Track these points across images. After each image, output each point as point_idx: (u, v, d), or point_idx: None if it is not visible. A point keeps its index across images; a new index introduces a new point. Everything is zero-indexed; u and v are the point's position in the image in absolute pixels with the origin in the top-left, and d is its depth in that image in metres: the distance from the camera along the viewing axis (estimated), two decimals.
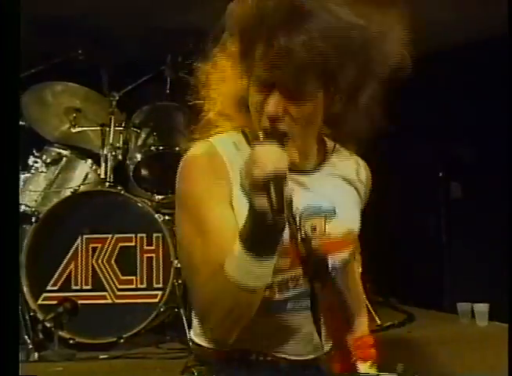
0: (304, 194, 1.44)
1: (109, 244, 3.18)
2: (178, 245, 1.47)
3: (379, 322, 3.53)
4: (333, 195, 1.48)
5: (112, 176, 3.44)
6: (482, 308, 3.50)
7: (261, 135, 1.32)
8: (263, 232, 1.19)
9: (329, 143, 1.56)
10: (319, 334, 1.45)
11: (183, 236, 1.40)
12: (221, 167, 1.38)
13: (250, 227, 1.21)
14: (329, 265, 1.45)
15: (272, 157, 1.18)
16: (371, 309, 3.61)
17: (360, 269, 3.42)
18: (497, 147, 3.99)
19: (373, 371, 1.56)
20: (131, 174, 3.51)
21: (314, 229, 1.43)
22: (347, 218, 1.49)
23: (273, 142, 1.23)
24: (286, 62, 1.29)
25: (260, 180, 1.15)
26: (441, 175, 4.52)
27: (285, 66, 1.29)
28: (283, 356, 1.44)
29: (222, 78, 1.46)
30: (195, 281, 1.35)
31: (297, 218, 1.41)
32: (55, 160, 3.60)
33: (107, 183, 3.41)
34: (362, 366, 1.56)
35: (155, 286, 3.13)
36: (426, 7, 3.85)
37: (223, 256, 1.26)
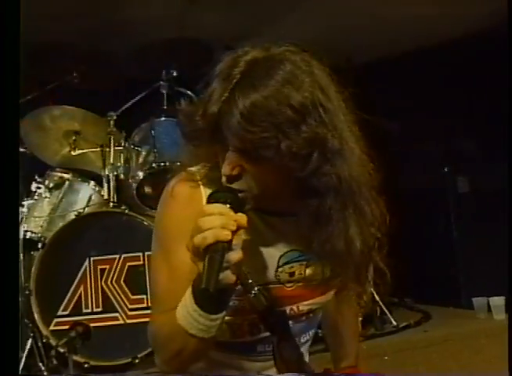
0: (284, 239, 1.38)
1: (118, 265, 3.17)
2: (149, 267, 1.45)
3: (395, 323, 3.50)
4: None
5: (115, 196, 3.44)
6: (498, 301, 3.47)
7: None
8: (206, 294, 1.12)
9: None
10: None
11: (153, 263, 1.39)
12: (199, 203, 1.32)
13: (195, 284, 1.18)
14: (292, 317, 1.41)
15: (216, 224, 1.11)
16: (386, 310, 3.59)
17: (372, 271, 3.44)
18: (502, 139, 3.96)
19: None
20: (134, 192, 3.49)
21: (291, 275, 1.38)
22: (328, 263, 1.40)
23: (228, 199, 1.16)
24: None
25: (197, 250, 1.12)
26: (446, 170, 4.49)
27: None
28: None
29: None
30: (154, 311, 1.36)
31: (276, 264, 1.36)
32: (58, 185, 3.60)
33: (111, 204, 3.41)
34: None
35: None
36: (427, 2, 3.87)
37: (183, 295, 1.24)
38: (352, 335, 1.69)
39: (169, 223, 1.36)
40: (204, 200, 1.28)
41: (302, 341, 1.48)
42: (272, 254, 1.37)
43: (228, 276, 1.13)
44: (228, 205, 1.16)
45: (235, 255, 1.13)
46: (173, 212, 1.36)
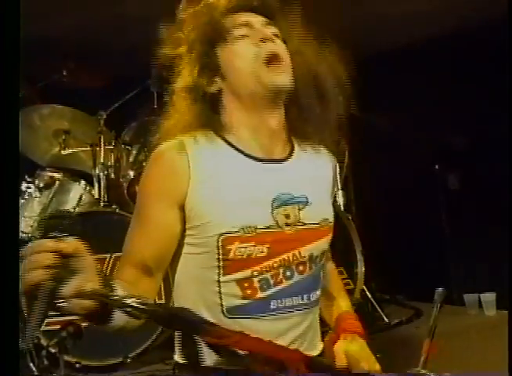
0: (275, 183, 1.47)
1: (109, 264, 3.15)
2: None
3: (387, 320, 3.51)
4: (305, 184, 1.51)
5: (106, 196, 3.43)
6: (489, 297, 3.48)
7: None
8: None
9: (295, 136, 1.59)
10: None
11: (131, 224, 1.47)
12: (182, 166, 1.42)
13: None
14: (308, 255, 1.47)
15: (42, 262, 1.08)
16: (378, 307, 3.60)
17: (363, 269, 3.44)
18: (493, 136, 3.98)
19: (359, 343, 1.52)
20: (125, 191, 3.49)
21: (287, 217, 1.45)
22: (320, 208, 1.52)
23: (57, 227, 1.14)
24: None
25: (23, 290, 1.10)
26: (437, 167, 4.50)
27: None
28: None
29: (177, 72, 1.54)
30: (120, 261, 1.46)
31: (270, 207, 1.44)
32: (48, 184, 3.57)
33: (102, 203, 3.40)
34: (348, 338, 1.53)
35: (157, 302, 3.09)
36: None
37: (146, 256, 1.40)
38: (341, 283, 1.74)
39: (147, 183, 1.47)
40: (190, 158, 1.42)
41: (312, 299, 1.50)
42: (265, 197, 1.45)
43: (79, 304, 1.13)
44: (55, 234, 1.13)
45: (74, 283, 1.12)
46: (153, 173, 1.46)
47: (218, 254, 1.40)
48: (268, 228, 1.43)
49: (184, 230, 1.45)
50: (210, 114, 1.49)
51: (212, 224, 1.40)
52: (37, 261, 1.09)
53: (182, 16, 1.56)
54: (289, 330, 1.46)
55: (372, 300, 3.58)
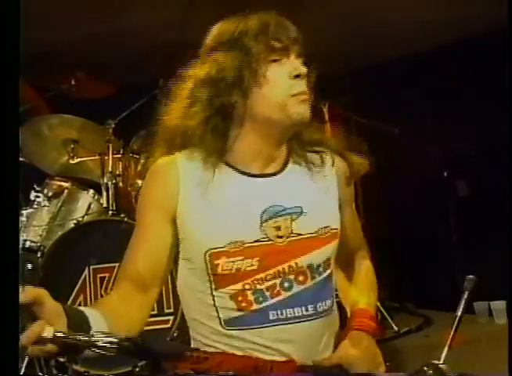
0: (265, 197, 1.46)
1: (117, 273, 3.15)
2: None
3: (396, 328, 3.49)
4: (299, 195, 1.50)
5: (114, 204, 3.43)
6: (500, 305, 3.46)
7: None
8: None
9: (292, 143, 1.57)
10: None
11: (131, 237, 1.51)
12: (172, 181, 1.45)
13: None
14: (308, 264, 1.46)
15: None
16: (387, 316, 3.58)
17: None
18: (501, 143, 3.96)
19: (363, 345, 1.50)
20: (133, 200, 3.49)
21: (278, 229, 1.44)
22: (318, 216, 1.50)
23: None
24: None
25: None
26: (446, 174, 4.49)
27: None
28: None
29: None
30: (117, 276, 1.49)
31: (259, 220, 1.44)
32: (57, 193, 3.59)
33: (110, 212, 3.39)
34: (354, 338, 1.51)
35: (166, 311, 3.09)
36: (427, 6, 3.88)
37: (140, 268, 1.43)
38: (365, 286, 1.68)
39: (143, 195, 1.51)
40: (180, 174, 1.45)
41: (320, 309, 1.48)
42: (253, 211, 1.45)
43: (40, 349, 1.12)
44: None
45: (33, 329, 1.11)
46: (147, 186, 1.51)
47: (207, 268, 1.42)
48: (256, 241, 1.42)
49: (178, 244, 1.47)
50: (217, 125, 1.47)
51: (199, 239, 1.43)
52: None
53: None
54: (296, 341, 1.44)
55: (381, 308, 3.56)
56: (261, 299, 1.42)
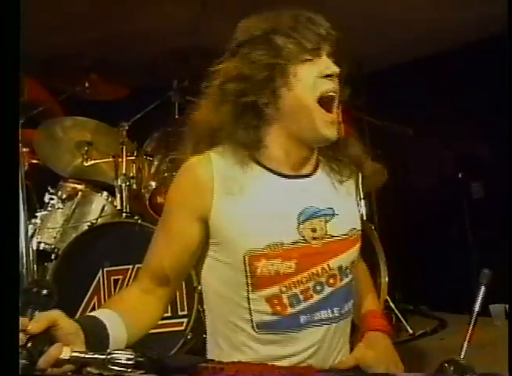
0: (300, 198, 1.45)
1: (131, 275, 3.15)
2: None
3: (411, 331, 3.47)
4: (330, 196, 1.50)
5: (128, 206, 3.43)
6: None
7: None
8: None
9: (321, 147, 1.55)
10: None
11: (154, 234, 1.50)
12: (206, 180, 1.42)
13: None
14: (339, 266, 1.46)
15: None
16: (402, 318, 3.56)
17: (387, 279, 3.41)
18: None
19: (379, 347, 1.50)
20: (147, 202, 3.49)
21: (313, 231, 1.43)
22: (347, 218, 1.50)
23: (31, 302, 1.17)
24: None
25: None
26: (460, 176, 4.46)
27: None
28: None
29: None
30: (140, 272, 1.51)
31: (296, 222, 1.42)
32: (71, 196, 3.60)
33: (124, 214, 3.39)
34: (370, 338, 1.51)
35: (180, 313, 3.08)
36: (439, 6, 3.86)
37: (165, 265, 1.44)
38: (368, 288, 1.69)
39: (172, 194, 1.48)
40: (214, 173, 1.41)
41: (343, 311, 1.47)
42: (290, 212, 1.43)
43: (59, 370, 1.13)
44: (31, 310, 1.16)
45: (51, 352, 1.12)
46: (178, 185, 1.47)
47: (245, 271, 1.39)
48: (294, 243, 1.41)
49: (207, 244, 1.45)
50: (248, 122, 1.44)
51: (237, 241, 1.40)
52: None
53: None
54: (317, 344, 1.43)
55: (395, 310, 3.54)
56: (295, 303, 1.41)
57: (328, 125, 1.42)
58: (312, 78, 1.41)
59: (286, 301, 1.40)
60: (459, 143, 4.44)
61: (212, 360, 1.40)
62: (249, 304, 1.41)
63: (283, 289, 1.40)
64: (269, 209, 1.41)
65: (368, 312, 1.59)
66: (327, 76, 1.42)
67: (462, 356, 1.24)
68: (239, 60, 1.44)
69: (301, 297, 1.41)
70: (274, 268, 1.38)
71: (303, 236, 1.42)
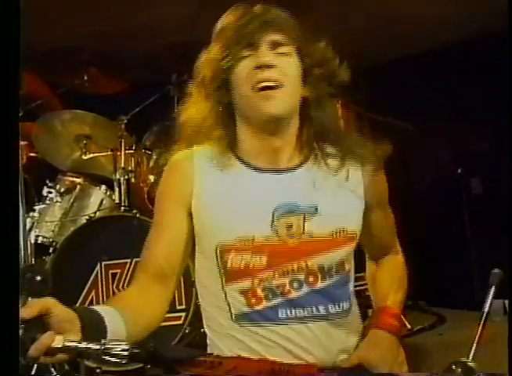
0: (276, 193, 1.45)
1: (129, 269, 3.15)
2: None
3: (409, 326, 3.47)
4: (316, 193, 1.46)
5: (127, 200, 3.42)
6: None
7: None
8: None
9: (313, 142, 1.53)
10: None
11: (149, 231, 1.52)
12: (187, 173, 1.47)
13: None
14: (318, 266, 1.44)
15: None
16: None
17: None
18: None
19: (383, 348, 1.48)
20: (145, 196, 3.49)
21: (289, 227, 1.42)
22: (334, 218, 1.46)
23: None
24: None
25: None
26: (460, 171, 4.46)
27: None
28: None
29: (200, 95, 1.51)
30: (136, 270, 1.50)
31: (271, 217, 1.42)
32: (69, 189, 3.60)
33: (122, 208, 3.39)
34: (377, 335, 1.49)
35: (178, 307, 3.08)
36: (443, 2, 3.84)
37: (160, 260, 1.44)
38: (393, 282, 1.65)
39: (160, 188, 1.52)
40: (195, 168, 1.46)
41: (332, 311, 1.45)
42: (266, 208, 1.43)
43: (52, 359, 1.12)
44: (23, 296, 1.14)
45: (42, 341, 1.10)
46: (165, 180, 1.52)
47: (218, 262, 1.42)
48: (267, 238, 1.41)
49: (194, 237, 1.48)
50: (225, 119, 1.49)
51: (211, 232, 1.43)
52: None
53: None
54: (307, 342, 1.42)
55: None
56: (271, 296, 1.41)
57: (267, 102, 1.40)
58: (247, 71, 1.42)
59: (261, 294, 1.41)
60: (458, 139, 4.43)
61: (211, 354, 1.40)
62: (225, 295, 1.43)
63: (256, 282, 1.41)
64: (244, 204, 1.43)
65: (381, 308, 1.56)
66: (259, 67, 1.41)
67: (470, 358, 1.22)
68: (210, 58, 1.50)
69: (277, 291, 1.41)
70: (244, 261, 1.40)
71: (276, 232, 1.42)
